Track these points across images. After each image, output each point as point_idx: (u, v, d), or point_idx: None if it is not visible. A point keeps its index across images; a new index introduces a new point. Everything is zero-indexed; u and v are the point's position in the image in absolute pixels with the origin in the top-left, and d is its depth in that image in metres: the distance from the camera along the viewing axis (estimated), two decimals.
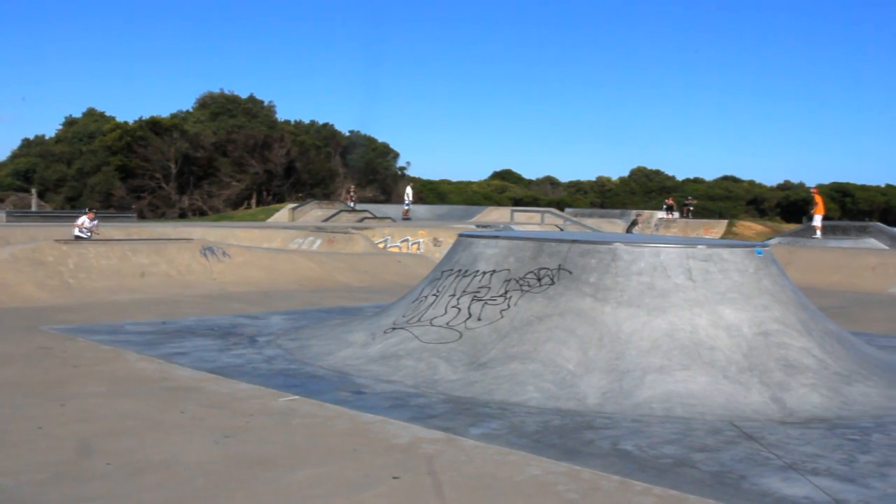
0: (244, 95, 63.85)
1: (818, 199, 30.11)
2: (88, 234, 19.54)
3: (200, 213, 54.23)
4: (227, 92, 63.84)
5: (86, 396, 6.74)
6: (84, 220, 19.90)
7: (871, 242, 28.28)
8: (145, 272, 14.75)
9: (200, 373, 7.76)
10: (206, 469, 4.96)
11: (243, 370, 7.92)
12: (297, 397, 6.85)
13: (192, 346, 9.14)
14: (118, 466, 4.96)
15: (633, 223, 40.20)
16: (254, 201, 56.95)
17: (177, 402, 6.61)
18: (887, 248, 26.78)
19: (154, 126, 55.49)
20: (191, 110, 63.43)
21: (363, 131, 68.59)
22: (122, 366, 8.01)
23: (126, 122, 56.94)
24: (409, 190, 44.46)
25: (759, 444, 5.78)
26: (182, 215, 53.26)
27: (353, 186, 52.48)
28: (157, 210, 53.88)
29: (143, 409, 6.35)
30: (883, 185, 69.42)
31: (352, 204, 45.15)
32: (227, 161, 56.57)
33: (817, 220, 29.52)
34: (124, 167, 53.84)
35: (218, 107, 62.15)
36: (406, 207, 42.72)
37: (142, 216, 47.53)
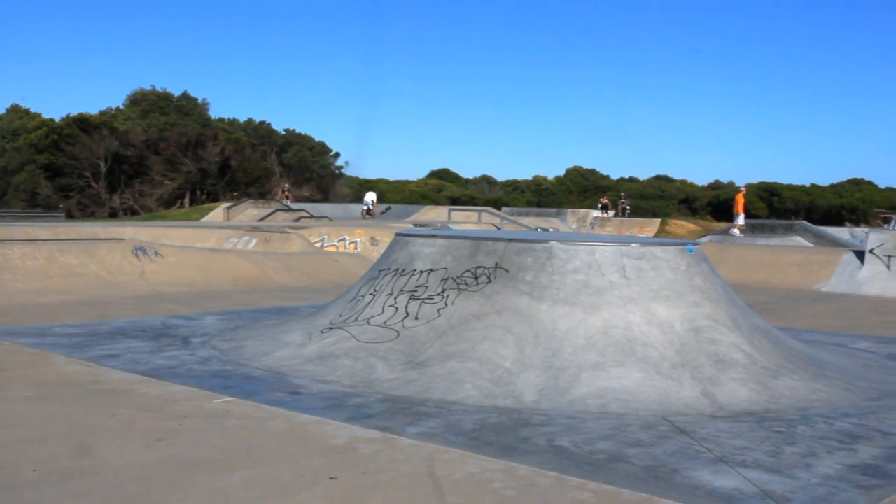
0: (177, 93, 62.64)
1: (738, 198, 31.24)
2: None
3: (132, 213, 53.04)
4: (158, 89, 62.55)
5: (10, 401, 6.53)
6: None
7: (797, 240, 29.17)
8: (76, 272, 14.37)
9: (132, 375, 7.59)
10: (137, 473, 4.86)
11: (176, 372, 7.77)
12: (232, 399, 6.76)
13: (123, 348, 8.94)
14: (45, 473, 4.82)
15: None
16: (187, 200, 55.94)
17: (107, 405, 6.45)
18: (812, 245, 27.64)
19: (82, 123, 54.00)
20: (121, 107, 61.98)
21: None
22: (49, 369, 7.79)
23: (52, 120, 55.35)
24: (374, 195, 45.81)
25: (690, 438, 5.91)
26: (113, 215, 52.01)
27: (287, 185, 52.05)
28: (86, 209, 52.52)
29: (72, 413, 6.18)
30: (808, 185, 71.56)
31: (287, 203, 44.80)
32: (158, 159, 55.43)
33: (738, 219, 30.57)
34: (51, 165, 52.33)
35: (149, 104, 60.83)
36: (370, 208, 43.92)
37: (70, 216, 46.28)
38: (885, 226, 33.56)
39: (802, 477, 5.10)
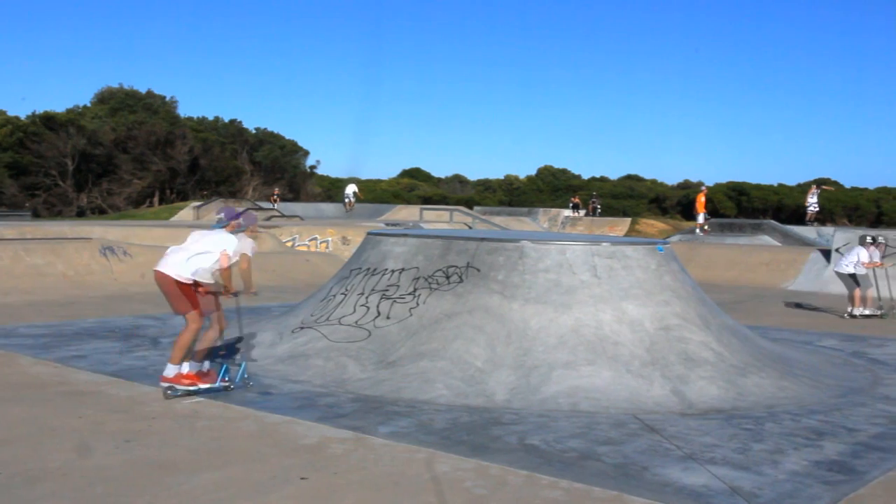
0: (144, 91, 61.96)
1: (698, 197, 31.78)
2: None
3: (100, 212, 52.39)
4: (126, 87, 61.85)
5: None
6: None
7: (765, 239, 29.49)
8: (42, 272, 14.17)
9: (100, 376, 7.51)
10: (105, 475, 4.80)
11: (146, 372, 7.70)
12: (201, 399, 6.70)
13: (91, 348, 8.83)
14: (10, 475, 4.75)
15: None
16: (156, 199, 55.39)
17: (75, 406, 6.37)
18: (780, 244, 27.96)
19: (48, 121, 53.22)
20: (88, 105, 61.18)
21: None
22: (15, 370, 7.67)
23: (17, 117, 54.49)
24: (355, 187, 46.18)
25: (660, 436, 5.96)
26: (80, 214, 51.32)
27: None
28: (53, 208, 51.77)
29: (39, 415, 6.10)
30: (776, 185, 72.34)
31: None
32: (127, 158, 54.78)
33: (699, 218, 31.04)
34: (16, 164, 51.53)
35: (117, 102, 60.08)
36: (350, 200, 44.53)
37: (37, 215, 45.63)
38: (811, 195, 34.08)
39: (770, 473, 5.16)
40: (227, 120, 67.20)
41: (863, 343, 10.87)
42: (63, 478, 4.74)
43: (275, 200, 47.10)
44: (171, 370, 6.71)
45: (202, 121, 65.46)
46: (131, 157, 55.18)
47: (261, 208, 41.54)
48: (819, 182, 35.63)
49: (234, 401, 6.67)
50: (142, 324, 10.65)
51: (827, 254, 19.93)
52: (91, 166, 54.23)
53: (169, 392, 6.69)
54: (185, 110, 79.81)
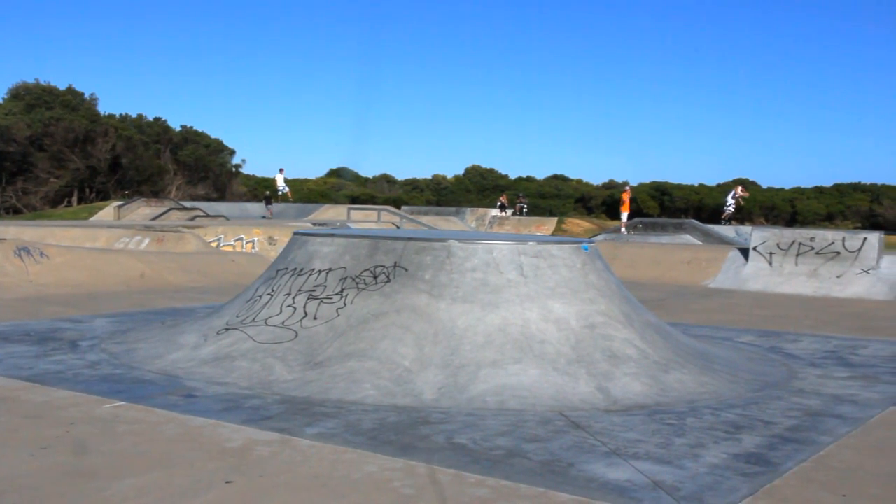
0: (63, 87, 60.04)
1: (623, 196, 32.61)
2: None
3: (15, 212, 50.63)
4: (42, 82, 59.81)
5: None
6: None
7: (687, 238, 30.26)
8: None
9: (13, 381, 7.24)
10: (18, 484, 4.64)
11: (63, 377, 7.46)
12: (122, 403, 6.53)
13: (3, 353, 8.51)
14: None
15: None
16: (75, 199, 53.79)
17: None
18: (700, 243, 28.70)
19: None
20: (1, 101, 59.00)
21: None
22: None
23: None
24: (282, 179, 44.93)
25: (585, 433, 6.05)
26: None
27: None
28: None
29: None
30: (696, 185, 74.29)
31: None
32: (44, 156, 53.06)
33: (623, 217, 31.83)
34: None
35: (33, 98, 58.10)
36: (285, 191, 43.64)
37: None
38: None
39: (691, 467, 5.29)
40: (150, 118, 65.68)
41: (779, 339, 11.23)
42: None
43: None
44: None
45: (125, 118, 63.85)
46: (48, 155, 53.47)
47: (184, 208, 40.73)
48: (742, 183, 37.07)
49: (157, 404, 6.52)
50: (59, 327, 10.32)
51: (745, 252, 20.54)
52: (4, 164, 52.35)
53: None
54: (107, 108, 77.80)
